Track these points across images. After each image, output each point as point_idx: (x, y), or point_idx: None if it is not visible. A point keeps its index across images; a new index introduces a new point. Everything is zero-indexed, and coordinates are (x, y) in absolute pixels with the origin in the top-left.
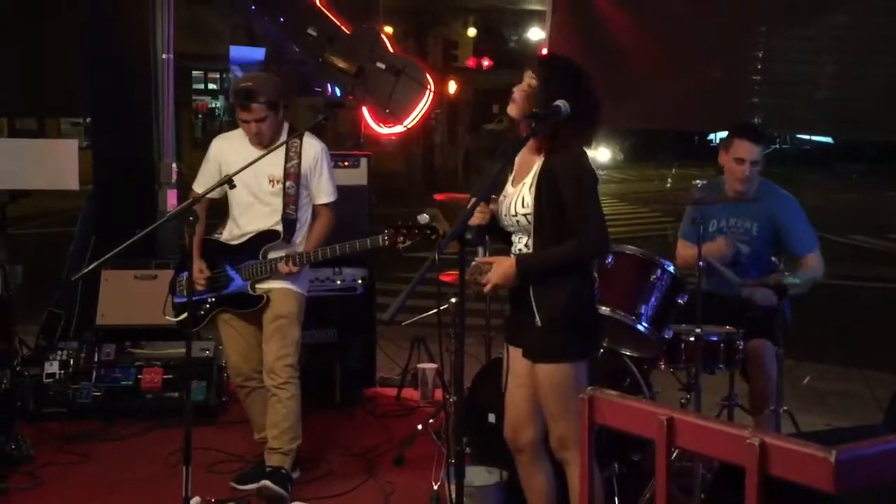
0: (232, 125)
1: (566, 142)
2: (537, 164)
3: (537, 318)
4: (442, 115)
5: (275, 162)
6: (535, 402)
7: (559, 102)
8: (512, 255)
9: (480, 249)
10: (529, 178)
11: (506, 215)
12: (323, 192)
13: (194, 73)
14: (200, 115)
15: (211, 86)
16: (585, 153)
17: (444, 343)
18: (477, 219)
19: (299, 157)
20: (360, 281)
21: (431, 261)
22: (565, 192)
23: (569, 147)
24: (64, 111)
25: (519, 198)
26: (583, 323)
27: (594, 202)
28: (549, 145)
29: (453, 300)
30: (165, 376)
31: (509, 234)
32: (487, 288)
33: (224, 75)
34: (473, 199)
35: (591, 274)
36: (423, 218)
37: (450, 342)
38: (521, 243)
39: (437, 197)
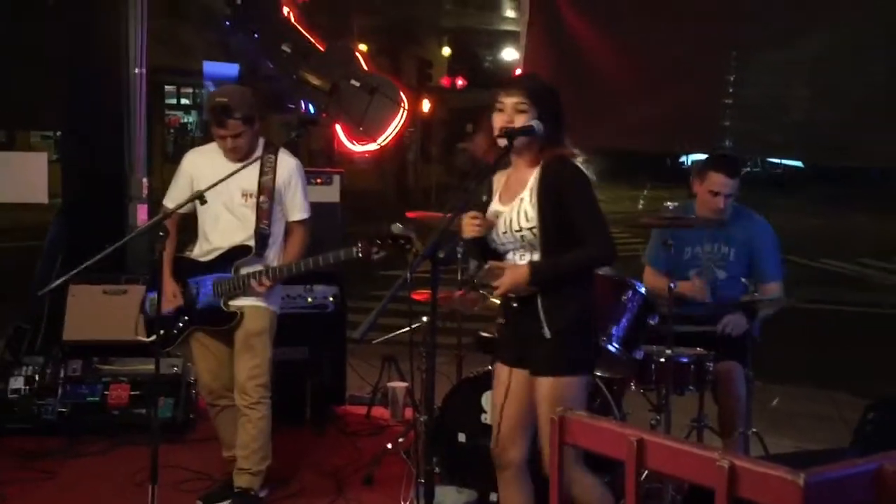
0: (204, 141)
1: (559, 153)
2: (533, 177)
3: (546, 330)
4: (416, 134)
5: (249, 176)
6: (528, 416)
7: (533, 122)
8: (523, 262)
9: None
10: (526, 193)
11: (505, 232)
12: (297, 208)
13: (167, 87)
14: (172, 130)
15: (184, 100)
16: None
17: (414, 362)
18: (473, 231)
19: (274, 173)
20: (331, 298)
21: (403, 279)
22: (570, 200)
23: (563, 157)
24: (34, 124)
25: (519, 213)
26: (589, 334)
27: (599, 208)
28: (544, 157)
29: (424, 319)
30: (133, 392)
31: (499, 253)
32: (498, 292)
33: (197, 90)
34: (448, 215)
35: (593, 285)
36: (398, 228)
37: (421, 361)
38: (524, 260)
39: (410, 215)
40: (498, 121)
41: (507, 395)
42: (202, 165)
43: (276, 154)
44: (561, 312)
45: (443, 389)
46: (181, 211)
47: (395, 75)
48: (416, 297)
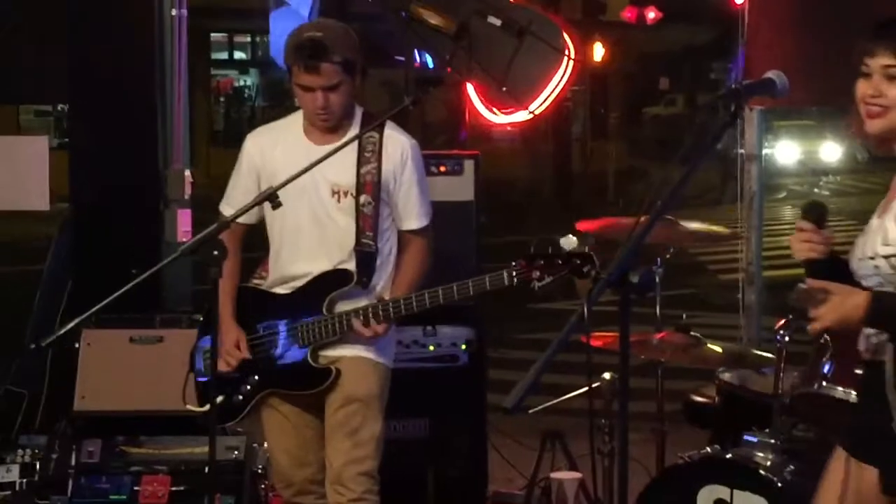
0: (271, 114)
1: None
2: None
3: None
4: (583, 95)
5: (343, 164)
6: None
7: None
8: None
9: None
10: None
11: (861, 259)
12: (413, 212)
13: (213, 36)
14: (223, 99)
15: (238, 55)
16: None
17: (593, 441)
18: (803, 250)
19: (379, 160)
20: (463, 346)
21: (578, 316)
22: None
23: None
24: (25, 96)
25: (880, 233)
26: None
27: None
28: None
29: (607, 376)
30: (175, 488)
31: (862, 288)
32: (815, 326)
33: (258, 39)
34: (643, 219)
35: None
36: (570, 242)
37: (602, 439)
38: None
39: (581, 226)
40: (860, 91)
41: (843, 497)
42: (274, 152)
43: (381, 131)
44: None
45: (637, 484)
46: (244, 220)
47: (553, 7)
48: (594, 342)
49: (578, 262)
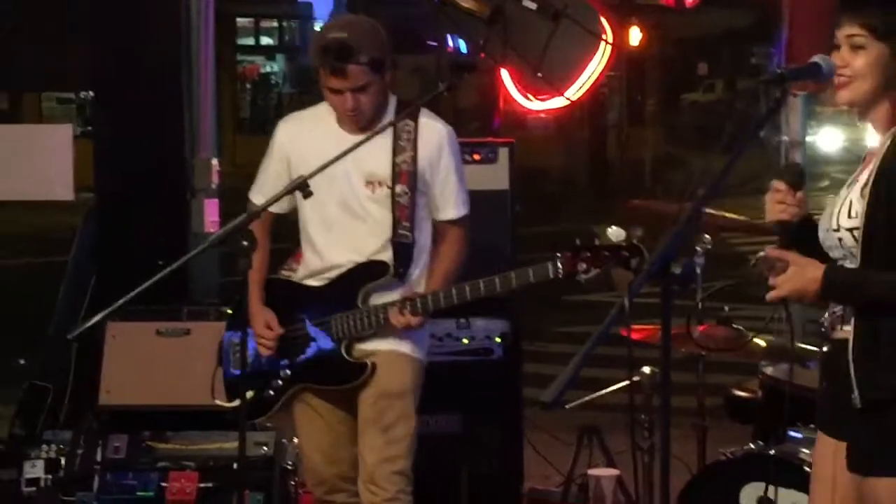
0: (298, 101)
1: None
2: (880, 153)
3: (855, 394)
4: (619, 81)
5: (377, 154)
6: None
7: (817, 58)
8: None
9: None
10: (865, 175)
11: (826, 230)
12: (450, 201)
13: (239, 21)
14: (249, 86)
15: (265, 40)
16: None
17: (634, 437)
18: (776, 211)
19: (415, 148)
20: (497, 339)
21: (619, 308)
22: None
23: None
24: (52, 83)
25: (844, 205)
26: None
27: None
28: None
29: (647, 370)
30: (202, 485)
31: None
32: (772, 295)
33: (285, 24)
34: (690, 204)
35: None
36: (616, 233)
37: (641, 435)
38: None
39: (632, 204)
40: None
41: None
42: (305, 140)
43: (415, 118)
44: (885, 370)
45: (678, 481)
46: (275, 210)
47: None
48: (634, 335)
49: (626, 254)
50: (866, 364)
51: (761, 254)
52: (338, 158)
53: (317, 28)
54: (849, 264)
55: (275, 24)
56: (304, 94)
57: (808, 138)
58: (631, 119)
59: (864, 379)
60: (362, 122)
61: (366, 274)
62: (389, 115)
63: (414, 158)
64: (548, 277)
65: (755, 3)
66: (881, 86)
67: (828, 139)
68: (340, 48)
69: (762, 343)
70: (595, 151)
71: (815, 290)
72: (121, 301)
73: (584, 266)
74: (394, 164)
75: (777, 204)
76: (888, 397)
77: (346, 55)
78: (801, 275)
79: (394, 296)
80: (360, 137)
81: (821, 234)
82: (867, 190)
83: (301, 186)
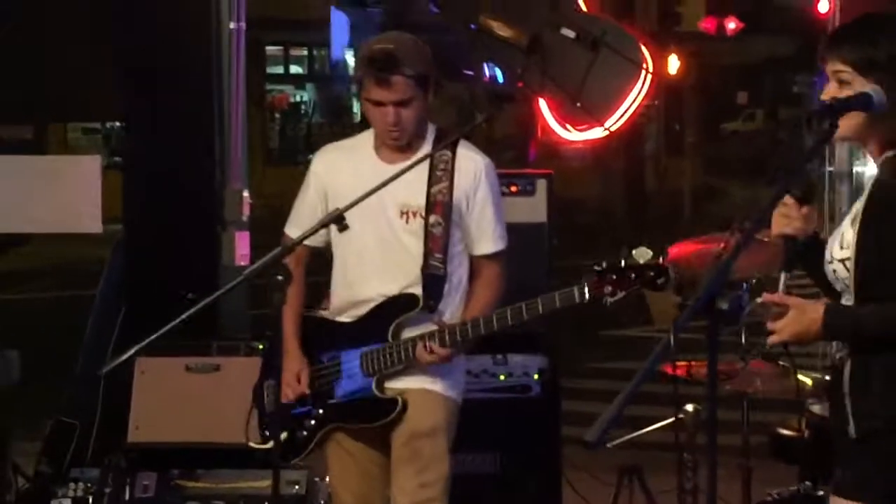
0: (329, 131)
1: None
2: (869, 182)
3: (851, 426)
4: (656, 110)
5: (412, 184)
6: None
7: (870, 89)
8: (821, 302)
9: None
10: (859, 204)
11: (826, 262)
12: (487, 235)
13: (269, 49)
14: (278, 116)
15: (295, 69)
16: None
17: (681, 476)
18: (781, 224)
19: (451, 179)
20: (535, 376)
21: (665, 344)
22: None
23: None
24: (79, 114)
25: (837, 236)
26: None
27: None
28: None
29: (690, 408)
30: None
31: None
32: (773, 340)
33: (315, 52)
34: (734, 238)
35: None
36: (643, 254)
37: (685, 476)
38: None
39: (674, 252)
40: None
41: None
42: (341, 171)
43: (453, 149)
44: (878, 400)
45: None
46: (311, 243)
47: (625, 16)
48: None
49: (652, 274)
50: (860, 396)
51: (759, 300)
52: (374, 191)
53: (347, 56)
54: (846, 298)
55: (304, 52)
56: (334, 124)
57: (855, 168)
58: (669, 149)
59: (858, 410)
60: (403, 140)
61: (396, 307)
62: (428, 143)
63: (450, 189)
64: (574, 302)
65: (797, 30)
66: (869, 118)
67: (873, 169)
68: (386, 58)
69: (808, 380)
70: (632, 182)
71: (815, 332)
72: (153, 336)
73: (609, 289)
74: (429, 195)
75: (782, 217)
76: (882, 426)
77: (392, 65)
78: (800, 318)
79: (426, 330)
80: (398, 165)
81: (825, 268)
82: (857, 219)
83: (337, 220)
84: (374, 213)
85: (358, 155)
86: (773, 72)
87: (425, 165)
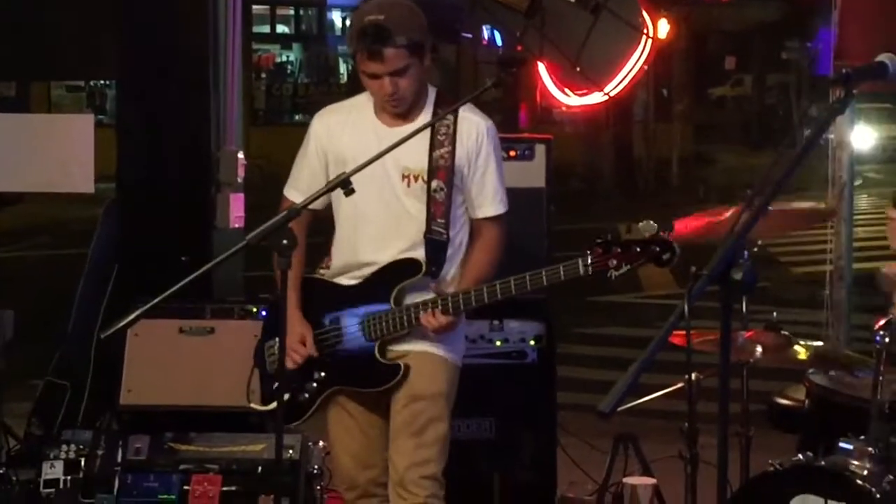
0: (315, 91)
1: None
2: None
3: None
4: (645, 75)
5: (414, 147)
6: None
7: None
8: None
9: None
10: None
11: None
12: (489, 198)
13: (255, 8)
14: (265, 76)
15: (281, 28)
16: None
17: (670, 444)
18: None
19: (453, 143)
20: (532, 342)
21: (679, 313)
22: None
23: None
24: (74, 72)
25: None
26: None
27: None
28: None
29: (693, 376)
30: (226, 488)
31: None
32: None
33: (301, 12)
34: (749, 209)
35: None
36: (648, 227)
37: (680, 442)
38: None
39: (679, 227)
40: None
41: None
42: (342, 133)
43: (455, 112)
44: None
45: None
46: (314, 206)
47: None
48: (676, 340)
49: (657, 248)
50: None
51: (884, 269)
52: (379, 156)
53: (335, 16)
54: None
55: (291, 11)
56: (321, 84)
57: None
58: (657, 115)
59: None
60: (402, 108)
61: (399, 272)
62: (429, 107)
63: (452, 154)
64: (578, 275)
65: None
66: None
67: (861, 138)
68: (377, 31)
69: (809, 350)
70: (620, 147)
71: None
72: (156, 300)
73: (614, 262)
74: (431, 159)
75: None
76: None
77: (384, 38)
78: None
79: (428, 295)
80: (400, 131)
81: None
82: None
83: (343, 184)
84: (376, 177)
85: (358, 117)
86: (762, 37)
87: (426, 128)
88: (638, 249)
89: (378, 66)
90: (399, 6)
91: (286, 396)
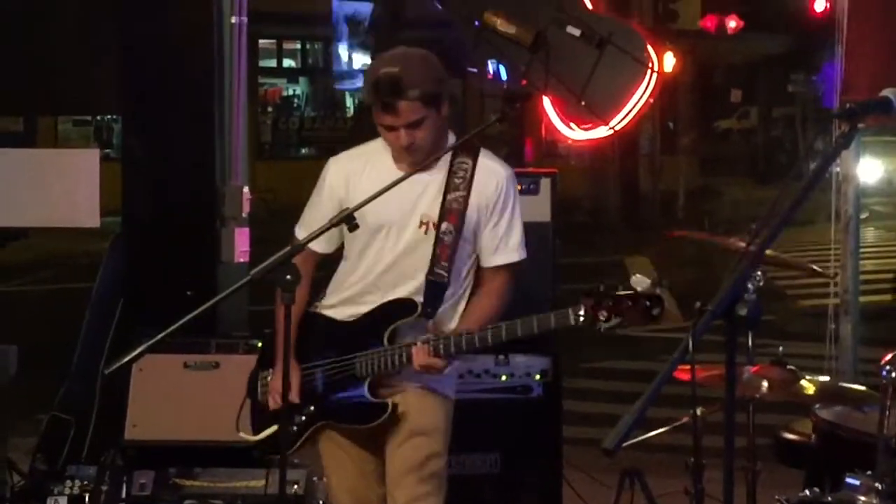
0: (321, 124)
1: None
2: None
3: None
4: (651, 108)
5: (433, 193)
6: None
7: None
8: None
9: None
10: None
11: None
12: (507, 245)
13: (261, 42)
14: (271, 109)
15: (288, 62)
16: None
17: (697, 479)
18: None
19: (468, 188)
20: (537, 377)
21: (683, 348)
22: None
23: None
24: (79, 107)
25: None
26: None
27: None
28: None
29: (698, 411)
30: None
31: None
32: None
33: (308, 46)
34: (755, 243)
35: None
36: (640, 282)
37: (688, 478)
38: None
39: (672, 234)
40: None
41: None
42: (359, 181)
43: (474, 157)
44: None
45: None
46: (321, 249)
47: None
48: (681, 375)
49: (648, 303)
50: None
51: None
52: (383, 192)
53: (340, 51)
54: None
55: (298, 46)
56: (327, 118)
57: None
58: (663, 147)
59: None
60: (419, 158)
61: (394, 312)
62: (449, 154)
63: (466, 199)
64: (569, 324)
65: (792, 29)
66: None
67: (867, 170)
68: (391, 83)
69: (814, 384)
70: (627, 181)
71: None
72: (160, 335)
73: (605, 314)
74: (444, 202)
75: None
76: None
77: (397, 91)
78: None
79: (421, 335)
80: (418, 175)
81: None
82: None
83: (347, 219)
84: (394, 221)
85: (376, 165)
86: (768, 70)
87: (444, 171)
88: (629, 304)
89: (393, 118)
90: (413, 57)
91: (273, 428)
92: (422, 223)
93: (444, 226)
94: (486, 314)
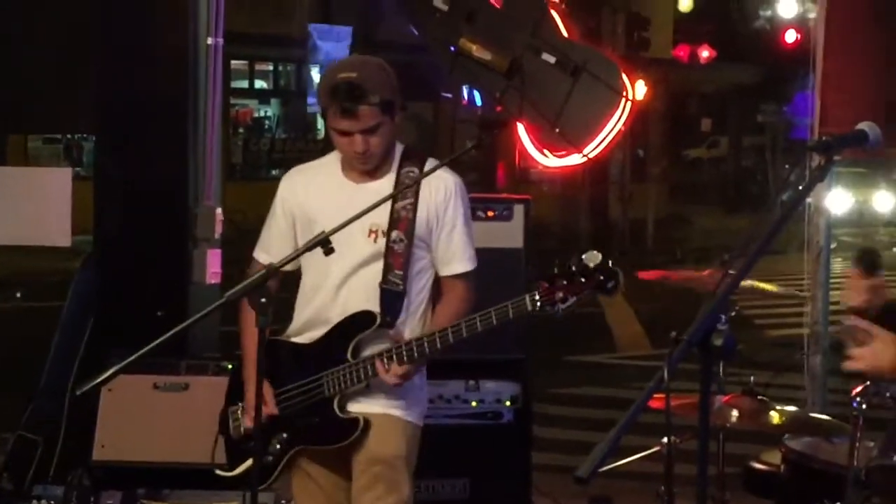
0: (292, 146)
1: None
2: None
3: None
4: (622, 136)
5: (379, 199)
6: None
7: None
8: None
9: None
10: None
11: None
12: (457, 255)
13: (233, 63)
14: (242, 130)
15: (259, 83)
16: None
17: None
18: (849, 297)
19: (416, 195)
20: (507, 403)
21: (658, 378)
22: None
23: None
24: (51, 125)
25: None
26: None
27: None
28: None
29: (665, 440)
30: None
31: None
32: (851, 365)
33: (282, 67)
34: (730, 273)
35: None
36: (593, 258)
37: None
38: None
39: (643, 275)
40: None
41: None
42: (308, 192)
43: (420, 166)
44: None
45: None
46: (288, 267)
47: (596, 42)
48: (653, 403)
49: (602, 277)
50: None
51: (847, 323)
52: (358, 217)
53: (313, 73)
54: None
55: (270, 67)
56: (298, 140)
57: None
58: (633, 175)
59: None
60: (370, 165)
61: (354, 325)
62: (395, 162)
63: (414, 206)
64: (527, 311)
65: (763, 60)
66: None
67: (838, 202)
68: (351, 88)
69: (784, 415)
70: (597, 208)
71: (893, 369)
72: (131, 357)
73: (560, 295)
74: (393, 210)
75: (849, 291)
76: None
77: (357, 96)
78: (883, 352)
79: (385, 347)
80: (366, 184)
81: None
82: None
83: (322, 243)
84: (342, 233)
85: (324, 175)
86: (738, 100)
87: (390, 181)
88: (583, 280)
89: (350, 123)
90: (370, 64)
91: (249, 461)
92: (371, 232)
93: (393, 234)
94: (451, 321)
